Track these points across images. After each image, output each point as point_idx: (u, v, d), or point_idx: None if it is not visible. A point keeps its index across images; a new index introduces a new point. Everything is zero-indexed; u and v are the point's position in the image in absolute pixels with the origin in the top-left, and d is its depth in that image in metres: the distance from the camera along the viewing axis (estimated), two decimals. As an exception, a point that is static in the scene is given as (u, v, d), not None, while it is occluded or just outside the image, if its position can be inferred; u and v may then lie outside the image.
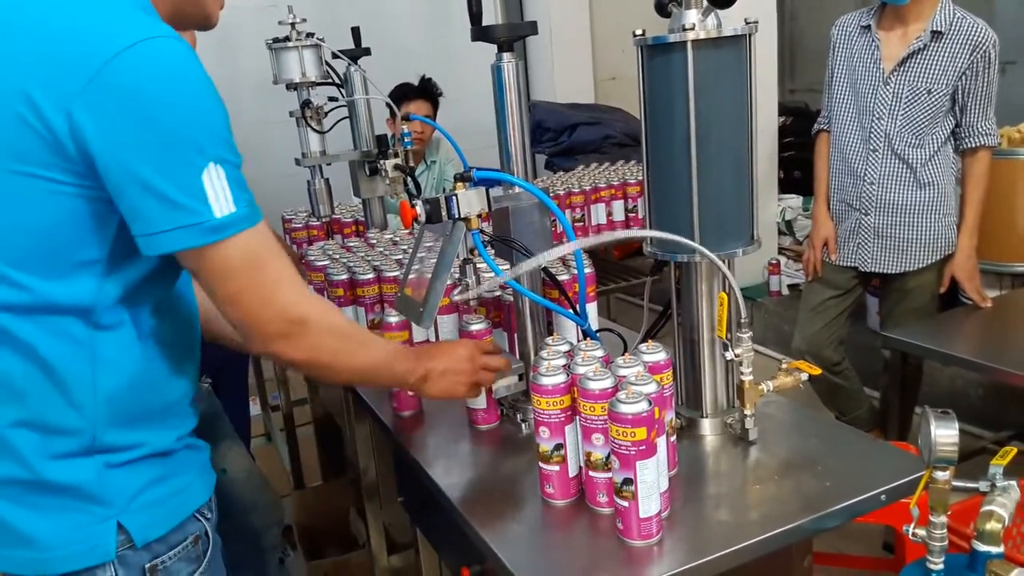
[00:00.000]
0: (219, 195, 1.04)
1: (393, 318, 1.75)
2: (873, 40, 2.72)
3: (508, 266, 1.62)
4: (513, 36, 1.53)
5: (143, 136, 1.01)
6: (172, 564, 1.18)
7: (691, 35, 1.37)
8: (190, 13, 1.21)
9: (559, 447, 1.32)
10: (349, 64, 2.59)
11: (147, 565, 1.16)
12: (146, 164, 1.01)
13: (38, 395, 1.09)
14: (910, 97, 2.66)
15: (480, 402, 1.62)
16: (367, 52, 2.70)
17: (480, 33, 1.51)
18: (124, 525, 1.13)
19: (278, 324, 1.13)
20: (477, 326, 1.63)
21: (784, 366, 1.48)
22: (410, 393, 1.72)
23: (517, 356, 1.65)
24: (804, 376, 1.46)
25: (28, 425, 1.10)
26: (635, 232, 1.44)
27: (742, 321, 1.41)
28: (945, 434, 1.26)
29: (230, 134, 1.07)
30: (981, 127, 2.66)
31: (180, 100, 1.02)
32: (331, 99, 2.62)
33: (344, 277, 2.13)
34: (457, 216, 1.41)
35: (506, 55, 1.52)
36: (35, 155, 1.02)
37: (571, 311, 1.53)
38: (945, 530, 1.32)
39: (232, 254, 1.07)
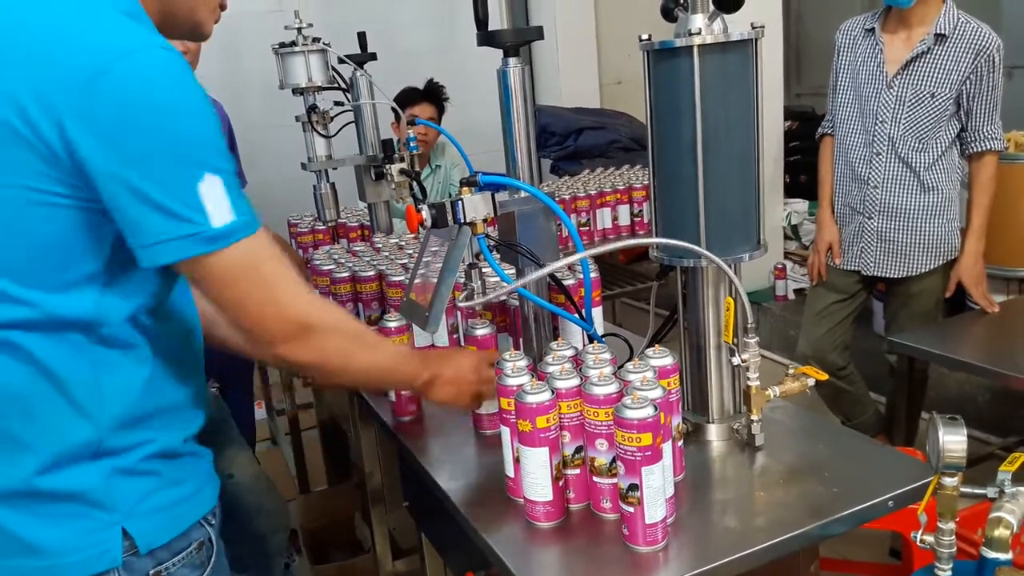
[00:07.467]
0: (217, 204, 1.04)
1: (392, 323, 1.75)
2: (877, 43, 2.71)
3: (513, 270, 1.61)
4: (519, 41, 1.53)
5: (138, 148, 1.00)
6: (176, 570, 1.18)
7: (697, 39, 1.37)
8: (181, 21, 1.20)
9: (579, 450, 1.31)
10: (355, 69, 2.59)
11: (151, 572, 1.15)
12: (141, 176, 1.01)
13: (45, 404, 1.09)
14: (913, 100, 2.65)
15: (486, 407, 1.61)
16: (373, 57, 2.71)
17: (486, 38, 1.52)
18: (128, 531, 1.13)
19: (282, 326, 1.13)
20: (482, 330, 1.62)
21: (791, 371, 1.48)
22: (406, 394, 1.73)
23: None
24: (811, 381, 1.46)
25: (35, 434, 1.09)
26: (642, 240, 1.43)
27: (748, 326, 1.40)
28: (953, 440, 1.26)
29: (223, 142, 1.07)
30: (987, 131, 2.65)
31: (174, 112, 1.02)
32: (337, 104, 2.62)
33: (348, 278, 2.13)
34: (463, 220, 1.40)
35: (512, 60, 1.52)
36: (28, 167, 1.01)
37: (577, 316, 1.53)
38: (953, 536, 1.32)
39: (232, 262, 1.07)
